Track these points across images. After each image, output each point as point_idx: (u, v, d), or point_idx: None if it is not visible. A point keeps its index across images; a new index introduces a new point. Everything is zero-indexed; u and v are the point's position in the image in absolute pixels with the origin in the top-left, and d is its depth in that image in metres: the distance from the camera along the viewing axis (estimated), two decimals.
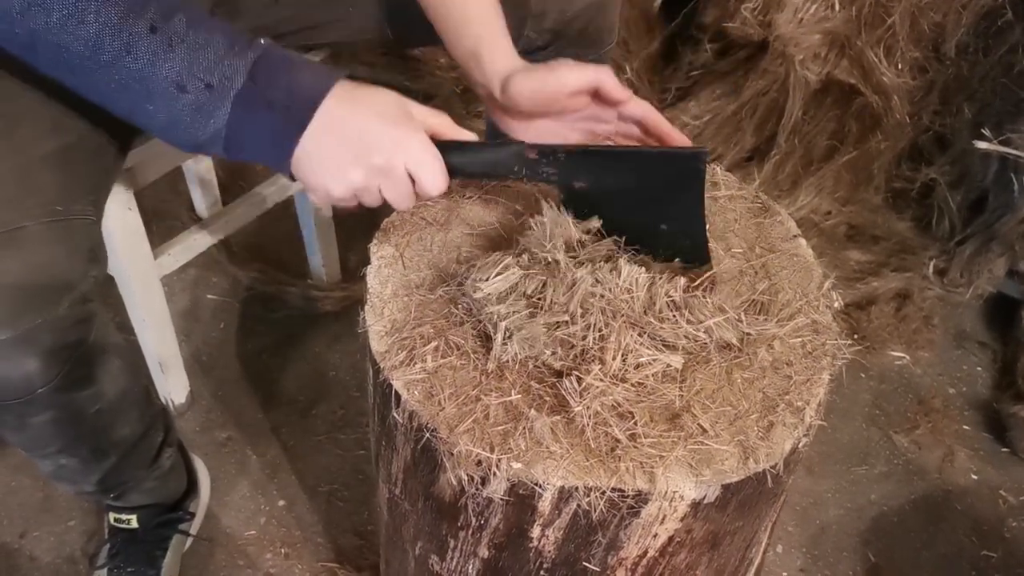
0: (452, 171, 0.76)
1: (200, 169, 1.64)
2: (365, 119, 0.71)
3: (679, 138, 0.84)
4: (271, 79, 0.70)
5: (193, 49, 0.68)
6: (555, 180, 0.79)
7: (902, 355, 1.59)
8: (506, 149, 0.78)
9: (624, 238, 0.79)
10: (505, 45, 0.85)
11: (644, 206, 0.79)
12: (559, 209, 0.80)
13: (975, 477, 1.43)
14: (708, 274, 0.78)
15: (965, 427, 1.50)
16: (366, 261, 0.84)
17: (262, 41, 0.71)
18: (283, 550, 1.27)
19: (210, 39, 0.69)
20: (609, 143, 0.87)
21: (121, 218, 1.16)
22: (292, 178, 0.74)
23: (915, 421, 1.49)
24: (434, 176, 0.73)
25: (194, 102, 0.69)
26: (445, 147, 0.75)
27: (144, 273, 1.25)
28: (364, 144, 0.71)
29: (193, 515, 1.23)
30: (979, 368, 1.60)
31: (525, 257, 0.76)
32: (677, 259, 0.79)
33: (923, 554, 1.33)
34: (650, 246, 0.79)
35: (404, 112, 0.74)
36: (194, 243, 1.33)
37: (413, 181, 0.74)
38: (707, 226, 0.79)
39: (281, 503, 1.33)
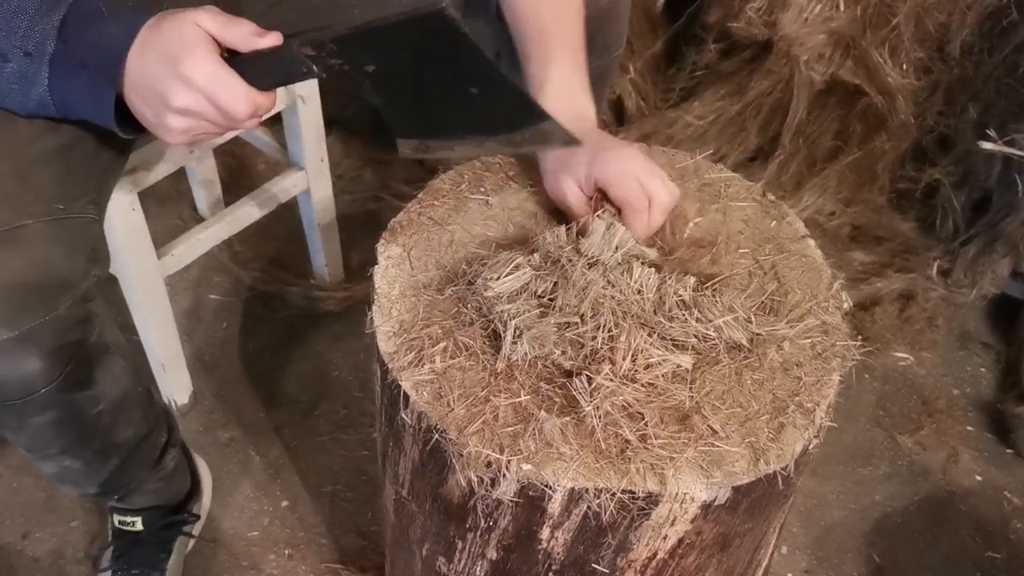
0: (258, 83, 0.73)
1: (203, 169, 1.64)
2: (155, 66, 0.70)
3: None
4: (80, 36, 0.70)
5: (6, 17, 0.69)
6: (347, 69, 0.75)
7: (906, 356, 1.59)
8: (284, 54, 0.75)
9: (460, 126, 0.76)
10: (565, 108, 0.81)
11: (441, 73, 0.74)
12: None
13: (979, 478, 1.43)
14: (721, 277, 0.78)
15: (969, 428, 1.50)
16: (369, 261, 0.83)
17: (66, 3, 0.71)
18: (286, 551, 1.27)
19: (22, 4, 0.69)
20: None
21: (125, 218, 1.15)
22: (127, 132, 0.74)
23: (919, 422, 1.49)
24: (233, 101, 0.71)
25: (17, 71, 0.71)
26: (238, 65, 0.73)
27: (147, 273, 1.25)
28: (160, 92, 0.70)
29: (198, 516, 1.23)
30: (983, 369, 1.60)
31: (536, 257, 0.75)
32: (516, 126, 0.75)
33: (927, 555, 1.32)
34: (478, 114, 0.75)
35: (187, 44, 0.70)
36: (197, 243, 1.33)
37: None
38: (515, 82, 0.74)
39: (284, 504, 1.33)
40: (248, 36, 0.73)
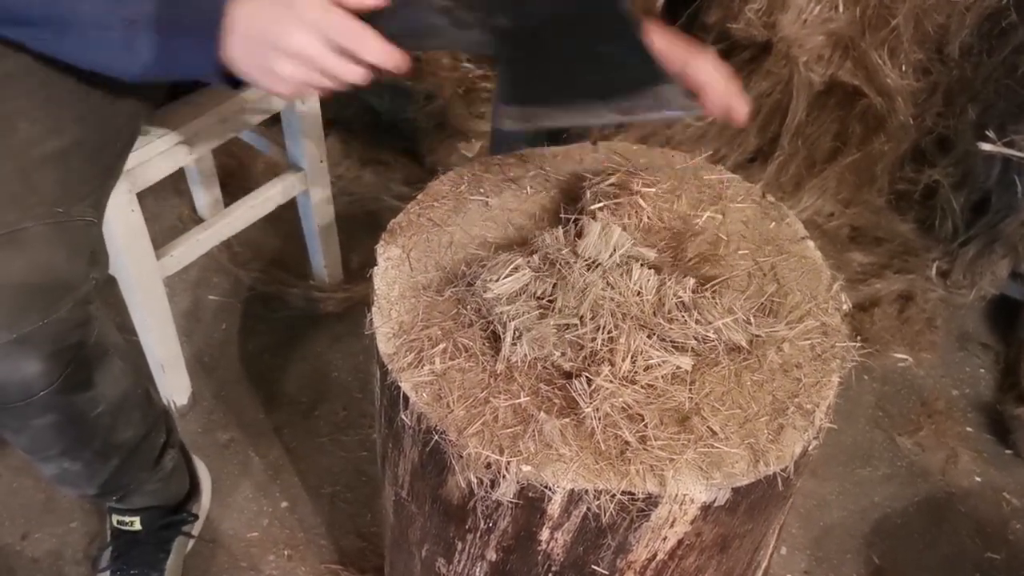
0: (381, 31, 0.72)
1: (202, 170, 1.64)
2: (266, 10, 0.71)
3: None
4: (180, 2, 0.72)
5: None
6: (477, 25, 0.74)
7: (905, 357, 1.59)
8: (418, 4, 0.74)
9: (575, 76, 0.74)
10: None
11: (573, 28, 0.74)
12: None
13: (978, 479, 1.43)
14: (721, 279, 0.78)
15: (968, 429, 1.50)
16: (368, 262, 0.83)
17: None
18: (286, 552, 1.27)
19: None
20: None
21: (124, 219, 1.15)
22: (231, 87, 0.76)
23: (918, 423, 1.49)
24: (360, 38, 0.70)
25: (121, 39, 0.72)
26: (363, 17, 0.72)
27: (146, 274, 1.24)
28: (273, 37, 0.70)
29: (196, 516, 1.23)
30: (982, 370, 1.60)
31: (535, 258, 0.75)
32: (637, 86, 0.73)
33: (926, 556, 1.32)
34: (602, 77, 0.74)
35: None
36: (196, 244, 1.32)
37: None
38: (648, 41, 0.73)
39: (284, 505, 1.32)
40: None
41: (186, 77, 0.79)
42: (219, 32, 0.71)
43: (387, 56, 0.72)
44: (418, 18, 0.75)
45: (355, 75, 0.73)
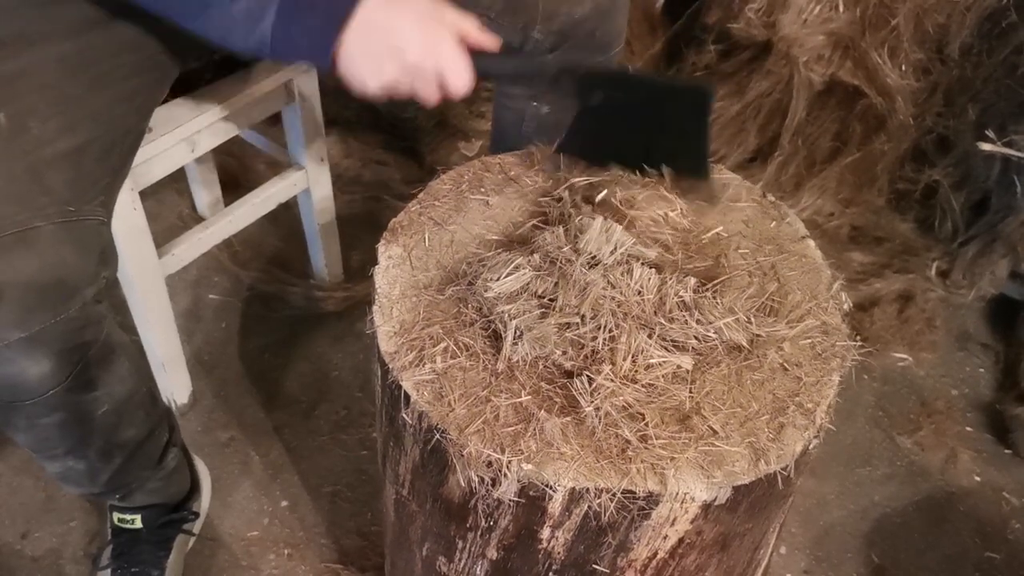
0: (479, 72, 0.80)
1: (202, 169, 1.64)
2: (401, 20, 0.76)
3: None
4: None
5: None
6: (572, 93, 0.84)
7: (905, 356, 1.59)
8: (530, 60, 0.86)
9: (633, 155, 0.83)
10: None
11: (653, 127, 0.84)
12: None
13: (978, 479, 1.43)
14: (722, 278, 0.78)
15: (968, 428, 1.50)
16: (368, 261, 0.83)
17: None
18: (286, 551, 1.27)
19: None
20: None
21: (126, 218, 1.15)
22: (330, 75, 0.78)
23: (918, 423, 1.49)
24: (460, 77, 0.78)
25: (245, 9, 0.74)
26: (472, 51, 0.79)
27: (148, 273, 1.25)
28: (398, 44, 0.76)
29: (197, 515, 1.23)
30: (982, 370, 1.60)
31: (536, 257, 0.75)
32: (676, 170, 0.84)
33: (926, 555, 1.32)
34: (654, 160, 0.83)
35: (438, 15, 0.78)
36: (198, 243, 1.33)
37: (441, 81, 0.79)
38: (711, 151, 0.86)
39: (284, 504, 1.33)
40: (479, 29, 0.81)
41: (293, 57, 0.81)
42: (348, 19, 0.75)
43: (462, 95, 0.80)
44: (521, 71, 0.86)
45: (432, 102, 0.80)
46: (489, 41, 0.81)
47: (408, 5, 0.77)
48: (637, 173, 0.85)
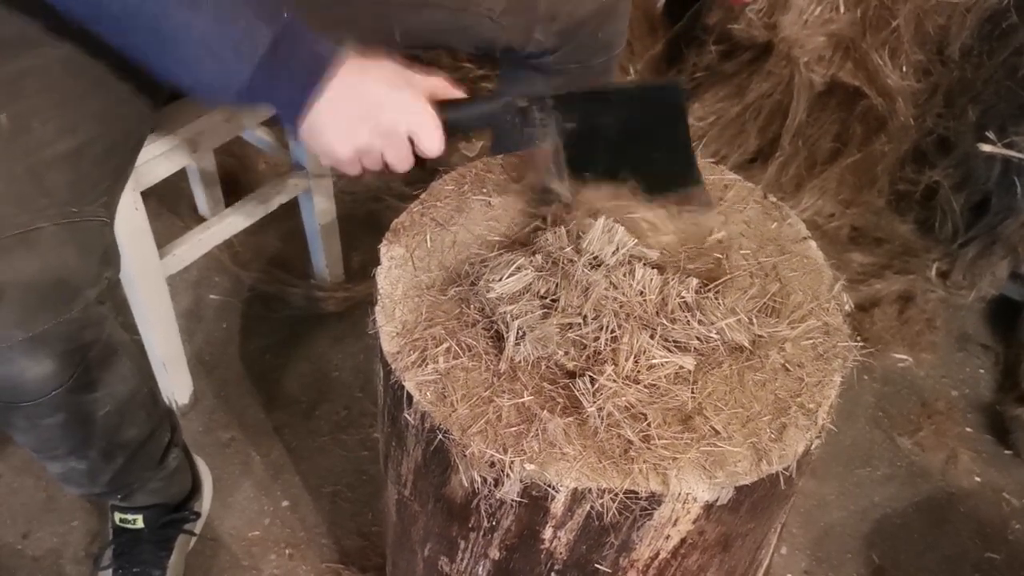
0: (451, 128, 0.80)
1: (203, 169, 1.64)
2: (374, 85, 0.77)
3: None
4: (293, 49, 0.74)
5: (221, 18, 0.72)
6: (547, 124, 0.84)
7: (905, 357, 1.59)
8: (498, 101, 0.84)
9: (622, 172, 0.82)
10: None
11: (633, 136, 0.84)
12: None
13: (978, 479, 1.43)
14: (724, 279, 0.78)
15: (968, 429, 1.50)
16: (369, 261, 0.84)
17: (285, 14, 0.75)
18: (287, 551, 1.27)
19: (240, 7, 0.73)
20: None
21: (128, 218, 1.16)
22: (297, 137, 0.78)
23: (918, 423, 1.49)
24: (432, 137, 0.79)
25: (221, 66, 0.73)
26: (442, 106, 0.79)
27: (150, 273, 1.25)
28: (371, 107, 0.76)
29: (199, 515, 1.23)
30: (982, 370, 1.60)
31: (538, 258, 0.76)
32: (672, 187, 0.84)
33: (926, 556, 1.33)
34: (646, 175, 0.82)
35: (406, 78, 0.79)
36: (199, 243, 1.33)
37: (412, 144, 0.79)
38: (694, 149, 0.85)
39: (285, 504, 1.33)
40: (447, 86, 0.82)
41: (265, 107, 0.82)
42: (323, 79, 0.74)
43: (435, 156, 0.80)
44: (492, 114, 0.84)
45: (405, 168, 0.81)
46: (458, 92, 0.82)
47: (379, 70, 0.77)
48: (629, 190, 0.84)
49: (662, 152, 0.84)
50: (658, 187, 0.82)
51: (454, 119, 0.80)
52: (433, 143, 0.79)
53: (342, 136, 0.76)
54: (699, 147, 1.69)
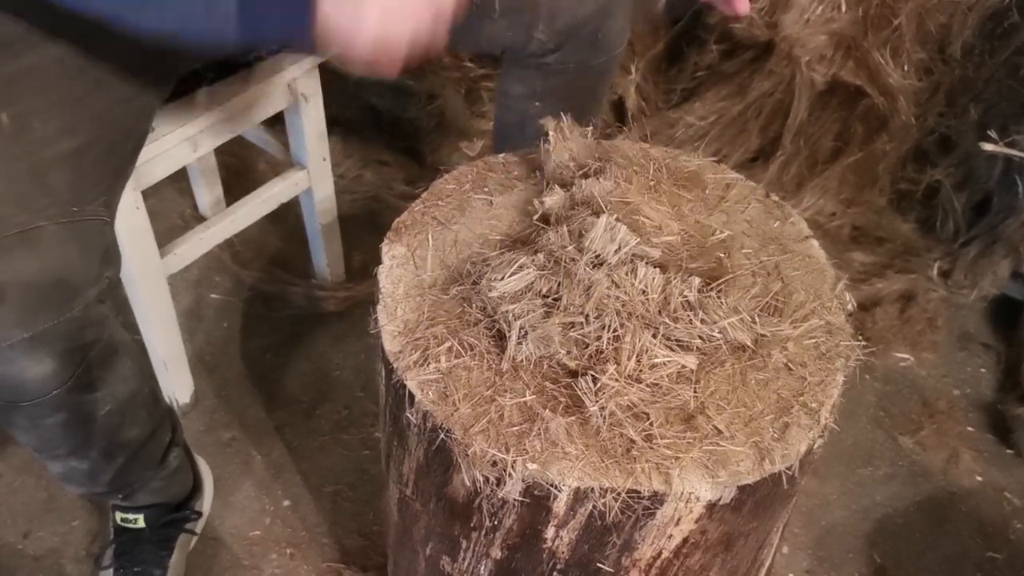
0: None
1: (204, 168, 1.64)
2: None
3: None
4: None
5: None
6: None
7: (906, 356, 1.59)
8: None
9: None
10: None
11: None
12: None
13: (980, 479, 1.43)
14: (726, 278, 0.78)
15: (969, 429, 1.50)
16: (370, 261, 0.83)
17: None
18: (288, 550, 1.27)
19: None
20: None
21: (128, 217, 1.15)
22: (309, 47, 0.71)
23: (919, 423, 1.49)
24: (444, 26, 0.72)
25: None
26: None
27: (150, 272, 1.25)
28: None
29: (200, 514, 1.23)
30: (983, 370, 1.60)
31: (540, 257, 0.75)
32: None
33: (928, 555, 1.32)
34: None
35: None
36: (200, 242, 1.33)
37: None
38: None
39: (286, 503, 1.32)
40: None
41: (266, 33, 0.72)
42: None
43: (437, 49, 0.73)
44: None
45: (438, 37, 0.72)
46: None
47: None
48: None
49: None
50: None
51: None
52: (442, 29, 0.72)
53: (354, 23, 0.68)
54: (701, 147, 1.68)
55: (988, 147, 1.43)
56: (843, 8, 1.50)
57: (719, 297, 0.75)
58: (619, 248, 0.76)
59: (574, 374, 0.71)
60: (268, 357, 1.52)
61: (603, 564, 0.72)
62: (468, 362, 0.72)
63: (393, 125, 1.88)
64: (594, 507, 0.66)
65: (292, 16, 0.69)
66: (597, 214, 0.78)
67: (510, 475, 0.66)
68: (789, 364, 0.74)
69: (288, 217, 1.61)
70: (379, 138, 1.89)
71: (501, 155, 0.94)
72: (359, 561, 1.25)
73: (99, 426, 0.93)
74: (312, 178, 1.43)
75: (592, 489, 0.65)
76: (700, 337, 0.73)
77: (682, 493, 0.65)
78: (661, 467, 0.66)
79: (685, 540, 0.70)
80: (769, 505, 0.73)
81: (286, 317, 1.58)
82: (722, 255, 0.83)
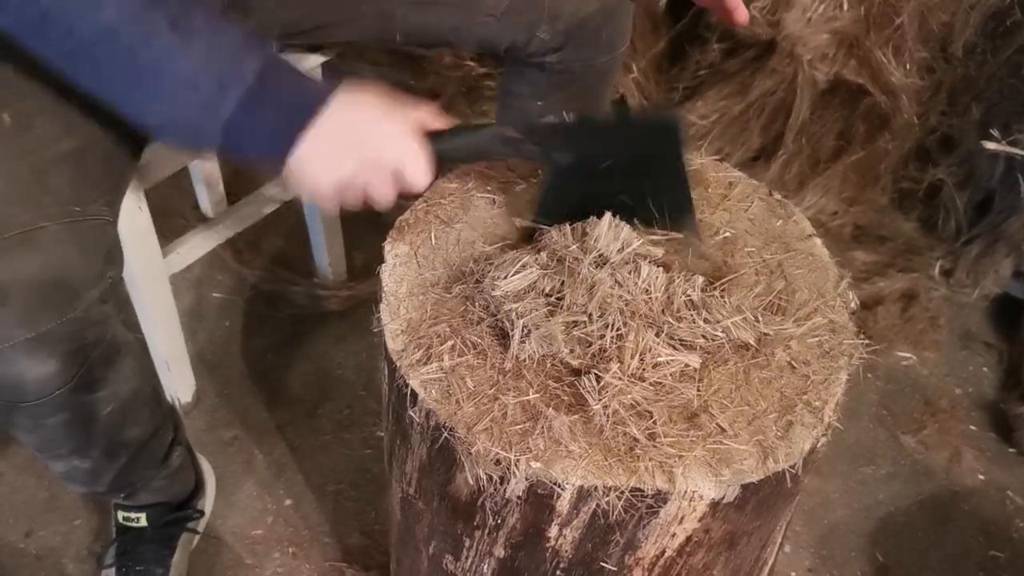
0: (441, 159, 0.77)
1: (206, 168, 1.64)
2: (362, 116, 0.73)
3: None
4: (279, 81, 0.71)
5: (209, 47, 0.68)
6: (540, 156, 0.81)
7: (908, 355, 1.59)
8: (487, 131, 0.80)
9: (615, 208, 0.79)
10: None
11: (631, 171, 0.80)
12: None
13: (982, 477, 1.43)
14: (729, 277, 0.78)
15: (972, 427, 1.50)
16: (372, 260, 0.83)
17: (269, 48, 0.72)
18: (290, 549, 1.27)
19: (225, 38, 0.69)
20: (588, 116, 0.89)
21: (131, 217, 1.15)
22: (275, 173, 0.74)
23: (922, 421, 1.49)
24: (418, 171, 0.74)
25: (203, 100, 0.68)
26: (432, 138, 0.76)
27: (153, 272, 1.25)
28: (358, 139, 0.72)
29: (202, 513, 1.23)
30: (985, 369, 1.60)
31: (543, 255, 0.75)
32: (668, 225, 0.81)
33: (930, 554, 1.32)
34: (638, 211, 0.80)
35: (396, 110, 0.75)
36: (202, 241, 1.33)
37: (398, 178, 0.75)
38: (691, 189, 0.82)
39: (288, 502, 1.33)
40: (436, 114, 0.78)
41: (244, 152, 0.73)
42: (314, 117, 0.71)
43: (421, 189, 0.76)
44: (480, 144, 0.80)
45: (387, 204, 0.76)
46: (449, 122, 0.79)
47: (369, 103, 0.74)
48: (624, 222, 0.80)
49: (659, 189, 0.80)
50: (653, 224, 0.81)
51: (442, 150, 0.77)
52: (419, 176, 0.75)
53: (326, 168, 0.72)
54: (703, 146, 1.68)
55: (990, 146, 1.43)
56: (845, 7, 1.50)
57: (722, 296, 0.75)
58: (622, 247, 0.76)
59: (577, 373, 0.71)
60: (270, 356, 1.52)
61: (606, 563, 0.72)
62: (471, 361, 0.72)
63: None
64: (597, 506, 0.66)
65: (274, 147, 0.71)
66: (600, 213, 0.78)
67: (513, 474, 0.66)
68: (792, 362, 0.74)
69: (290, 216, 1.61)
70: None
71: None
72: (361, 560, 1.25)
73: (101, 426, 0.93)
74: None
75: (595, 488, 0.65)
76: (703, 336, 0.73)
77: (685, 491, 0.65)
78: (664, 465, 0.66)
79: (688, 539, 0.70)
80: (772, 504, 0.73)
81: (288, 316, 1.58)
82: (725, 254, 0.83)
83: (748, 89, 1.65)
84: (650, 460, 0.66)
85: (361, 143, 0.72)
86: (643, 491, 0.65)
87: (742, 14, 0.93)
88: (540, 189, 0.85)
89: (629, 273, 0.73)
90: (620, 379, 0.68)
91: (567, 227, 0.79)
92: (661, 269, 0.74)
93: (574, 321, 0.71)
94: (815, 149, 1.67)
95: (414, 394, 0.70)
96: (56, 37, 0.67)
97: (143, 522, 1.14)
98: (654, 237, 0.80)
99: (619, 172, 0.80)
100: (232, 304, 1.61)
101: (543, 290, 0.73)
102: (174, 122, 0.70)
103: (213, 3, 0.97)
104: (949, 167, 1.66)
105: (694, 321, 0.73)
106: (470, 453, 0.67)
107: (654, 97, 1.79)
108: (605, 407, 0.67)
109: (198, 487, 1.23)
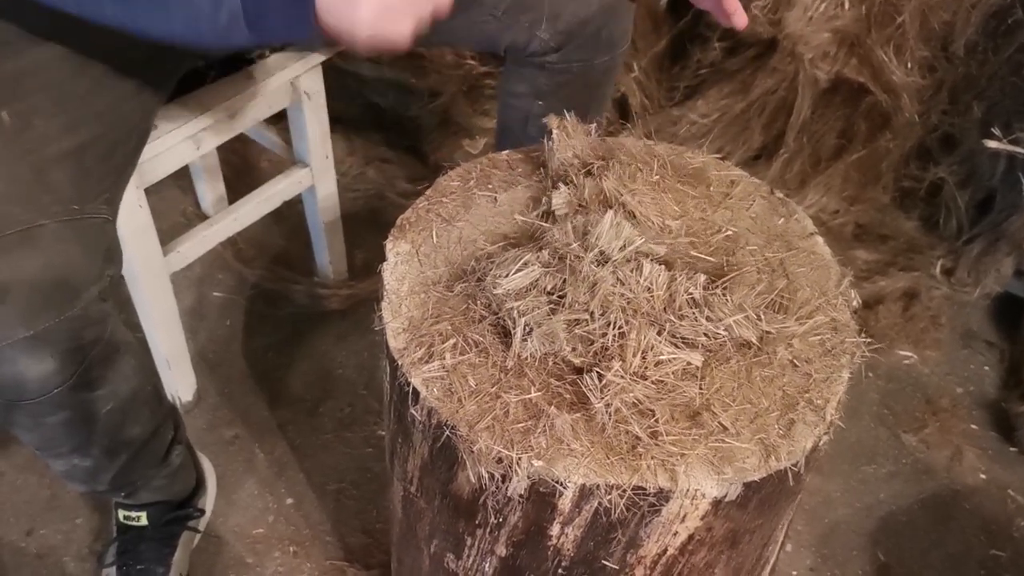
0: None
1: (206, 166, 1.64)
2: None
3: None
4: None
5: None
6: None
7: (910, 354, 1.59)
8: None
9: None
10: None
11: None
12: None
13: (983, 476, 1.43)
14: (731, 276, 0.78)
15: (973, 426, 1.50)
16: (372, 259, 0.83)
17: None
18: (291, 548, 1.27)
19: None
20: None
21: (131, 215, 1.15)
22: (317, 38, 0.72)
23: (923, 420, 1.49)
24: None
25: None
26: None
27: (153, 270, 1.25)
28: None
29: (203, 512, 1.23)
30: (986, 367, 1.60)
31: (545, 254, 0.75)
32: None
33: (932, 553, 1.32)
34: None
35: None
36: (203, 240, 1.32)
37: None
38: None
39: (289, 501, 1.32)
40: None
41: (273, 27, 0.72)
42: None
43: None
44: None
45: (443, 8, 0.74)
46: None
47: None
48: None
49: None
50: None
51: None
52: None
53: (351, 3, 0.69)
54: (704, 144, 1.68)
55: (991, 144, 1.43)
56: (846, 5, 1.50)
57: (724, 294, 0.75)
58: (624, 245, 0.76)
59: (579, 371, 0.71)
60: (271, 355, 1.52)
61: (608, 561, 0.72)
62: (473, 359, 0.72)
63: (396, 123, 1.88)
64: (599, 504, 0.66)
65: (294, 13, 0.70)
66: (602, 211, 0.78)
67: (515, 472, 0.65)
68: (794, 361, 0.74)
69: (291, 215, 1.61)
70: (382, 136, 1.89)
71: (505, 152, 0.94)
72: (363, 559, 1.25)
73: (101, 424, 0.93)
74: (315, 176, 1.43)
75: (597, 486, 0.65)
76: (705, 334, 0.73)
77: (688, 490, 0.65)
78: (667, 464, 0.66)
79: (691, 537, 0.70)
80: (775, 502, 0.73)
81: (289, 315, 1.58)
82: (727, 252, 0.83)
83: (749, 88, 1.64)
84: (652, 458, 0.66)
85: None
86: (645, 489, 0.65)
87: (741, 18, 0.92)
88: None
89: (631, 271, 0.73)
90: (622, 377, 0.68)
91: (568, 225, 0.79)
92: (663, 267, 0.74)
93: (576, 319, 0.71)
94: (816, 148, 1.67)
95: (416, 392, 0.70)
96: None
97: (144, 521, 1.14)
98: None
99: None
100: (233, 303, 1.61)
101: (545, 288, 0.73)
102: (192, 21, 0.70)
103: None
104: (950, 166, 1.66)
105: (696, 319, 0.73)
106: (472, 451, 0.67)
107: (655, 96, 1.79)
108: (607, 405, 0.67)
109: (199, 486, 1.23)
